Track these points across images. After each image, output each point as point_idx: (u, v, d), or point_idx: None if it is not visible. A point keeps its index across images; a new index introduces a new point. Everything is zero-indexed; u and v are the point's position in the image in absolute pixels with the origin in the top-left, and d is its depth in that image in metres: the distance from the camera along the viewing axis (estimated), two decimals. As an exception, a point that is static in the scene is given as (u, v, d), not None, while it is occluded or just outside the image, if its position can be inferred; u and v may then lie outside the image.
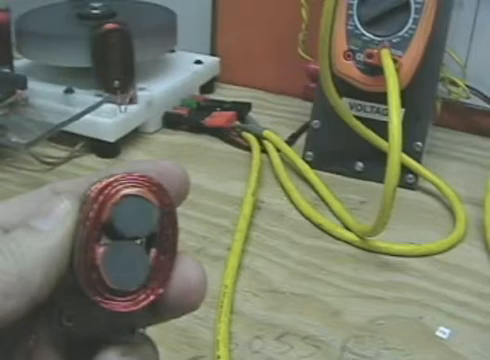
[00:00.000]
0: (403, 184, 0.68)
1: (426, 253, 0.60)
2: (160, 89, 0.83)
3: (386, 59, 0.62)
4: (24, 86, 0.75)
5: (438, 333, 0.50)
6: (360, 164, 0.72)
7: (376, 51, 0.64)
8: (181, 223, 0.64)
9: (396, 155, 0.54)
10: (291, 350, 0.48)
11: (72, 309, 0.27)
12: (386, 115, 0.58)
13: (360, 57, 0.66)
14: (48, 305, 0.26)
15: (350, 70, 0.67)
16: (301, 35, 0.86)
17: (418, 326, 0.51)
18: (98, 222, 0.26)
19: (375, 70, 0.65)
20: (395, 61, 0.63)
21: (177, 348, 0.47)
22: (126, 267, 0.26)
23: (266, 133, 0.77)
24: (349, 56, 0.67)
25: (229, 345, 0.47)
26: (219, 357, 0.45)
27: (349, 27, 0.67)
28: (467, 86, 0.80)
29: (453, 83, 0.80)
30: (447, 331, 0.50)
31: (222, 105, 0.86)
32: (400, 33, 0.66)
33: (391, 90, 0.58)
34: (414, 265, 0.58)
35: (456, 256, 0.60)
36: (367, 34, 0.66)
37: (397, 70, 0.62)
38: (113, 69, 0.76)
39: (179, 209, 0.66)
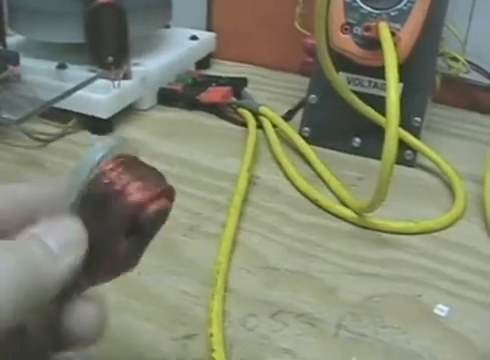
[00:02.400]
0: (401, 160, 0.67)
1: (425, 230, 0.59)
2: (155, 65, 0.81)
3: (384, 32, 0.61)
4: (16, 62, 0.74)
5: (436, 311, 0.49)
6: (357, 140, 0.71)
7: (374, 24, 0.63)
8: (177, 200, 0.64)
9: (393, 130, 0.53)
10: (286, 328, 0.47)
11: None
12: (384, 90, 0.57)
13: (358, 30, 0.65)
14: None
15: (347, 44, 0.66)
16: (298, 8, 0.85)
17: (416, 304, 0.50)
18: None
19: (373, 44, 0.63)
20: (393, 34, 0.61)
21: (169, 326, 0.46)
22: None
23: (262, 109, 0.76)
24: (346, 30, 0.66)
25: (222, 323, 0.46)
26: (212, 335, 0.44)
27: (346, -1, 0.66)
28: (467, 61, 0.79)
29: (453, 58, 0.79)
30: (445, 309, 0.49)
31: (218, 80, 0.84)
32: (399, 6, 0.64)
33: (389, 64, 0.57)
34: (412, 242, 0.57)
35: (455, 233, 0.59)
36: (365, 7, 0.65)
37: (395, 44, 0.60)
38: (107, 44, 0.75)
39: (174, 185, 0.65)
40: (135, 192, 0.29)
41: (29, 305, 0.26)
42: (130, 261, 0.32)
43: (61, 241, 0.28)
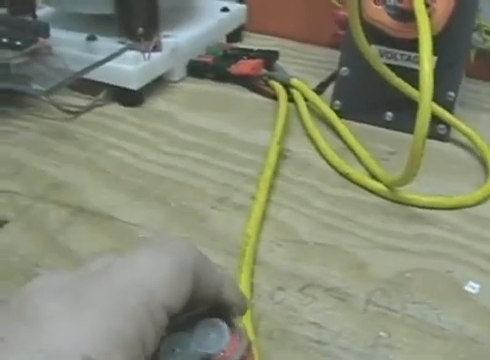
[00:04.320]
0: (435, 135, 0.66)
1: (457, 205, 0.58)
2: (185, 36, 0.81)
3: (418, 3, 0.59)
4: (46, 34, 0.74)
5: (467, 288, 0.49)
6: (390, 114, 0.70)
7: (408, -5, 0.61)
8: (206, 172, 0.63)
9: (427, 102, 0.52)
10: (314, 302, 0.47)
11: None
12: (417, 63, 0.56)
13: (391, 1, 0.64)
14: None
15: (380, 15, 0.65)
16: (330, -20, 0.84)
17: (447, 280, 0.49)
18: None
19: (406, 15, 0.62)
20: (427, 5, 0.60)
21: (197, 298, 0.46)
22: None
23: (294, 81, 0.75)
24: (379, 0, 0.65)
25: (251, 296, 0.46)
26: (240, 308, 0.44)
27: (380, -31, 0.65)
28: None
29: (489, 32, 0.77)
30: (476, 286, 0.49)
31: (249, 53, 0.83)
32: (434, -24, 0.63)
33: (423, 36, 0.56)
34: (444, 217, 0.57)
35: (487, 209, 0.58)
36: (399, -23, 0.64)
37: (429, 15, 0.59)
38: (137, 16, 0.74)
39: (203, 157, 0.65)
40: None
41: None
42: None
43: None
